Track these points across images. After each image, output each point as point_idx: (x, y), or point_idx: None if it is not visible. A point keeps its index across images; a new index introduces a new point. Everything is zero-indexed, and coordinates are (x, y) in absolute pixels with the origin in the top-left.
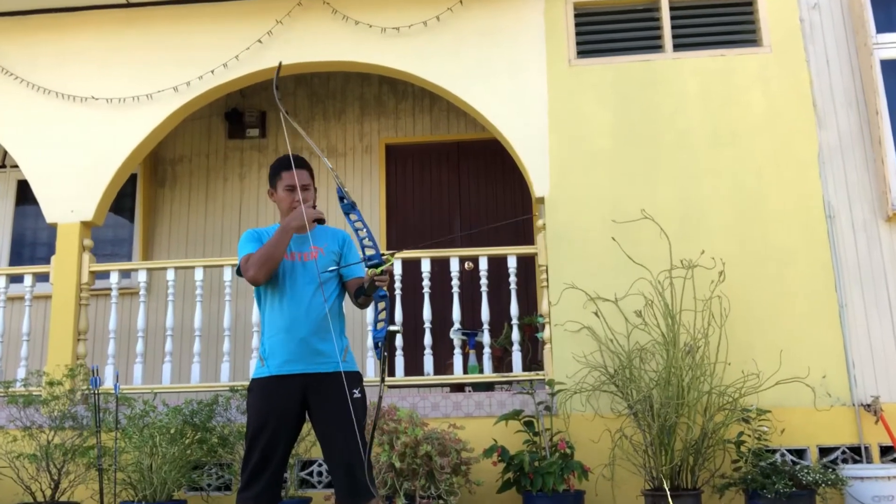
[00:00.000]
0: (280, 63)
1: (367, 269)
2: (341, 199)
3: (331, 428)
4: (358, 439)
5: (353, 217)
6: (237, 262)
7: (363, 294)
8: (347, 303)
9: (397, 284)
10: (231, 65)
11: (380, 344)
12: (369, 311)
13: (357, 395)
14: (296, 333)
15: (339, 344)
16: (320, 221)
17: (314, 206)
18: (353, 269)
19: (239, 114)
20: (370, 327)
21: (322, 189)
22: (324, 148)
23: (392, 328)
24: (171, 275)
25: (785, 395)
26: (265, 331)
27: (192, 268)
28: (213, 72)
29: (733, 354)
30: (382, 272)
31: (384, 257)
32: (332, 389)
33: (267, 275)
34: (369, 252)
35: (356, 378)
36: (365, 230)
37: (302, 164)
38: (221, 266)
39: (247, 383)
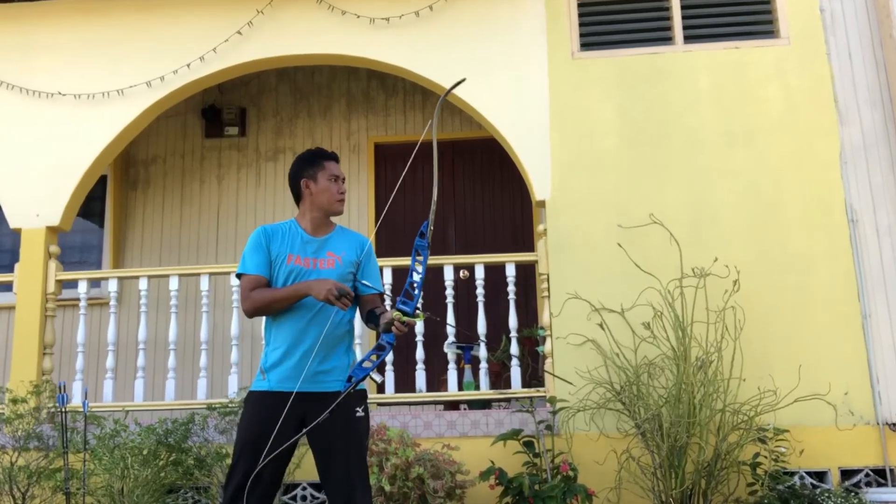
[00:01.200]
0: (463, 80)
1: (395, 309)
2: (422, 234)
3: (330, 449)
4: (359, 463)
5: (419, 257)
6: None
7: (375, 323)
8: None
9: (387, 294)
10: (208, 58)
11: (352, 379)
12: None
13: (360, 413)
14: (301, 347)
15: (345, 360)
16: (344, 303)
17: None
18: (369, 279)
19: (217, 111)
20: (358, 358)
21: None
22: (308, 147)
23: (377, 377)
24: (143, 284)
25: (804, 414)
26: (269, 341)
27: (167, 276)
28: (189, 66)
29: (749, 370)
30: (404, 323)
31: (417, 312)
32: (334, 408)
33: (262, 315)
34: (408, 297)
35: (360, 395)
36: (421, 276)
37: (338, 158)
38: (198, 275)
39: (225, 400)
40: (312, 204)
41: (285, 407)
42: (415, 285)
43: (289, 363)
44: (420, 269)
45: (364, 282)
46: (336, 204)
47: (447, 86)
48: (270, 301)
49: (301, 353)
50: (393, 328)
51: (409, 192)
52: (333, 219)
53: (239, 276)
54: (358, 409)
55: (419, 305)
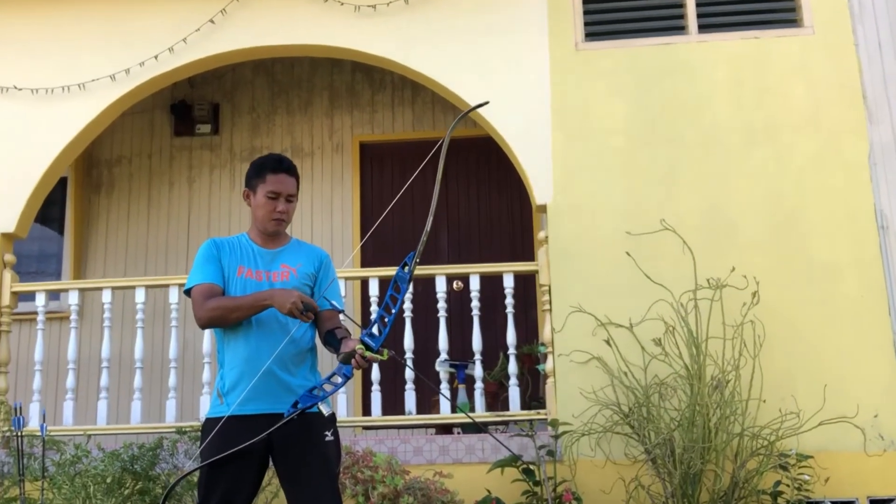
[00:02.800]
0: (485, 103)
1: (359, 341)
2: (403, 265)
3: (298, 477)
4: (331, 491)
5: (396, 289)
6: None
7: (334, 347)
8: None
9: (373, 307)
10: (178, 49)
11: (298, 405)
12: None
13: (329, 437)
14: (260, 366)
15: (310, 380)
16: (308, 317)
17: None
18: (328, 295)
19: (187, 107)
20: (304, 392)
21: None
22: (287, 147)
23: (324, 408)
24: (107, 296)
25: (830, 438)
26: (224, 361)
27: (132, 288)
28: (156, 57)
29: (769, 390)
30: (365, 359)
31: (381, 350)
32: (301, 431)
33: (217, 326)
34: (375, 330)
35: (329, 419)
36: (395, 311)
37: (292, 169)
38: (167, 286)
39: (196, 423)
40: (252, 217)
41: (248, 432)
42: (386, 321)
43: (248, 383)
44: (396, 302)
45: (327, 298)
46: (268, 223)
47: (439, 79)
48: (229, 309)
49: (263, 372)
50: (353, 361)
51: (396, 193)
52: (297, 229)
53: (188, 291)
54: (327, 433)
55: (382, 346)
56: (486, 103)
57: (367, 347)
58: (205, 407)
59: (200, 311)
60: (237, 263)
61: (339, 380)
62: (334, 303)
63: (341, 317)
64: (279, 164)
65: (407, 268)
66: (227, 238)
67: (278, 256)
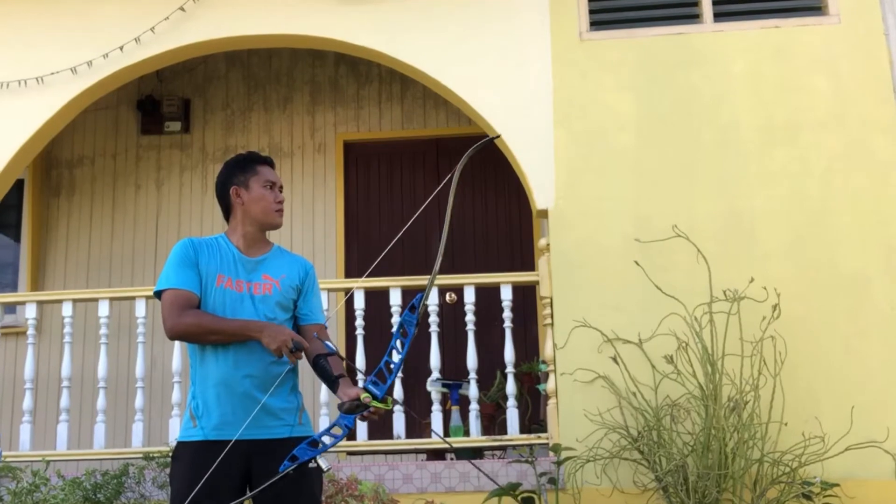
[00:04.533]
0: (496, 136)
1: (363, 389)
2: (412, 307)
3: None
4: None
5: (403, 333)
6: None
7: (325, 377)
8: None
9: (358, 322)
10: (145, 39)
11: (297, 459)
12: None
13: (312, 464)
14: (238, 386)
15: (293, 401)
16: (298, 357)
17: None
18: (312, 310)
19: (155, 103)
20: (304, 446)
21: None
22: (265, 146)
23: (322, 463)
24: (67, 309)
25: (857, 464)
26: (196, 380)
27: (95, 300)
28: (121, 48)
29: (791, 412)
30: (369, 409)
31: (387, 398)
32: (280, 455)
33: (190, 341)
34: (380, 378)
35: (310, 442)
36: (401, 357)
37: (273, 162)
38: (132, 298)
39: (165, 448)
40: (245, 216)
41: (224, 459)
42: (392, 367)
43: (225, 405)
44: (403, 348)
45: (328, 344)
46: (273, 215)
47: (431, 72)
48: (209, 330)
49: (239, 394)
50: (358, 412)
51: (384, 198)
52: (275, 238)
53: (158, 294)
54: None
55: (389, 395)
56: (498, 137)
57: (374, 397)
58: (174, 430)
59: (174, 322)
60: (216, 271)
61: (340, 432)
62: (334, 347)
63: (343, 363)
64: (263, 157)
65: (415, 311)
66: (204, 239)
67: (260, 266)
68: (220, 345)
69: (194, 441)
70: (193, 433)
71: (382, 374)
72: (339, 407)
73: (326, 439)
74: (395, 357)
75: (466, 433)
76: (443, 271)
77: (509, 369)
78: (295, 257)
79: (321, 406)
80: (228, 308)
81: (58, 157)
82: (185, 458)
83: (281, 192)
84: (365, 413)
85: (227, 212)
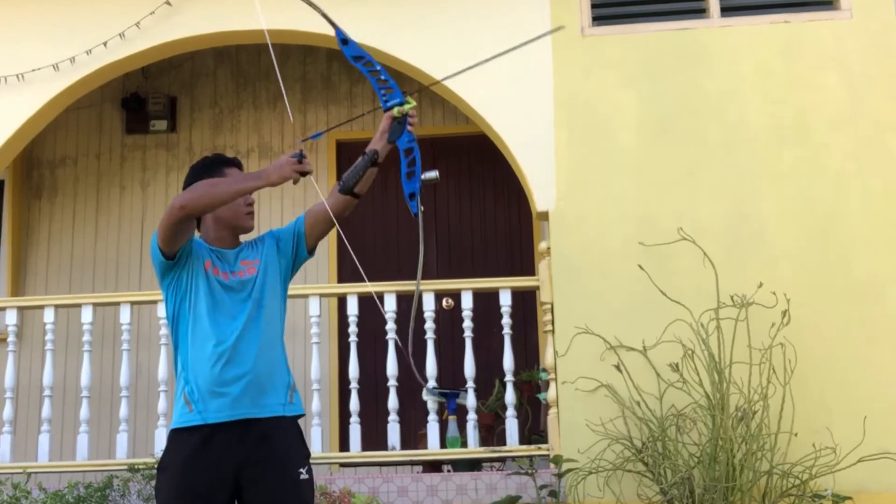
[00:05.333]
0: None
1: (389, 108)
2: (344, 41)
3: None
4: None
5: (360, 60)
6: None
7: (352, 179)
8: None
9: (352, 329)
10: (130, 35)
11: (416, 195)
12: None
13: (304, 475)
14: (234, 365)
15: (288, 378)
16: (304, 174)
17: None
18: (298, 217)
19: (140, 100)
20: (403, 180)
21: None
22: (254, 146)
23: (429, 175)
24: (49, 315)
25: (870, 476)
26: (188, 362)
27: (78, 306)
28: (105, 44)
29: (801, 422)
30: (408, 115)
31: (406, 97)
32: (274, 466)
33: (202, 213)
34: (386, 90)
35: (303, 455)
36: (379, 69)
37: (241, 165)
38: (117, 304)
39: (151, 460)
40: (215, 221)
41: (222, 445)
42: (382, 77)
43: (221, 385)
44: (373, 65)
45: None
46: (244, 218)
47: (426, 69)
48: (223, 186)
49: (236, 373)
50: (409, 122)
51: (378, 200)
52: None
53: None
54: (301, 469)
55: (403, 91)
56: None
57: (401, 104)
58: (161, 441)
59: (182, 199)
60: (204, 259)
61: (414, 149)
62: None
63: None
64: (230, 159)
65: (348, 43)
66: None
67: (238, 255)
68: (206, 322)
69: (191, 426)
70: (191, 417)
71: (384, 88)
72: (390, 139)
73: (412, 163)
74: (377, 68)
75: (464, 444)
76: (440, 276)
77: (508, 378)
78: (259, 237)
79: (312, 382)
80: (218, 294)
81: (39, 157)
82: (181, 445)
83: (251, 194)
84: (410, 121)
85: (198, 219)
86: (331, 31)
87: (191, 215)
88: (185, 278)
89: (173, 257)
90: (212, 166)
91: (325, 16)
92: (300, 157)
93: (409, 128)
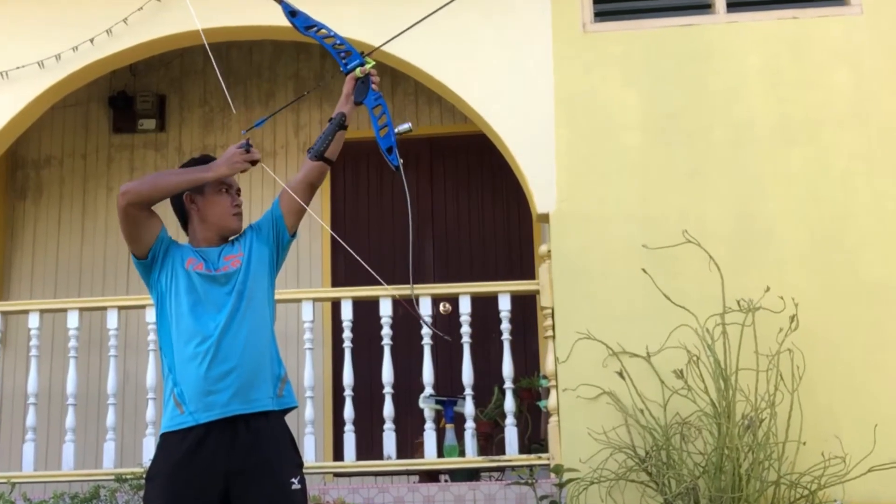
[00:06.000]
0: None
1: (349, 71)
2: (292, 13)
3: None
4: None
5: (312, 28)
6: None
7: (321, 145)
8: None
9: (346, 334)
10: (118, 31)
11: (394, 149)
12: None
13: (296, 485)
14: (220, 362)
15: (279, 370)
16: (254, 162)
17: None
18: (272, 209)
19: (128, 99)
20: (377, 137)
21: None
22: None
23: (402, 127)
24: (34, 321)
25: (881, 486)
26: (175, 363)
27: (64, 311)
28: (92, 41)
29: (810, 430)
30: (370, 74)
31: (365, 58)
32: (265, 474)
33: (159, 196)
34: (344, 54)
35: (296, 464)
36: (332, 34)
37: None
38: (104, 308)
39: (139, 470)
40: (202, 223)
41: (214, 446)
42: (338, 42)
43: (212, 382)
44: (326, 32)
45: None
46: (231, 219)
47: (422, 66)
48: (167, 176)
49: (224, 369)
50: (372, 80)
51: (374, 201)
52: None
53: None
54: (294, 479)
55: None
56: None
57: (360, 67)
58: (149, 450)
59: (129, 191)
60: (186, 256)
61: (381, 108)
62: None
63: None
64: (214, 159)
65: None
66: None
67: (222, 252)
68: (193, 318)
69: (184, 429)
70: (183, 420)
71: (340, 52)
72: (356, 101)
73: (383, 120)
74: (331, 32)
75: (462, 453)
76: (437, 279)
77: (508, 385)
78: (240, 234)
79: (305, 389)
80: (201, 289)
81: (24, 157)
82: (172, 448)
83: (239, 195)
84: (373, 80)
85: (185, 222)
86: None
87: (133, 202)
88: (164, 280)
89: (145, 256)
90: (198, 166)
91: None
92: (247, 147)
93: (373, 86)
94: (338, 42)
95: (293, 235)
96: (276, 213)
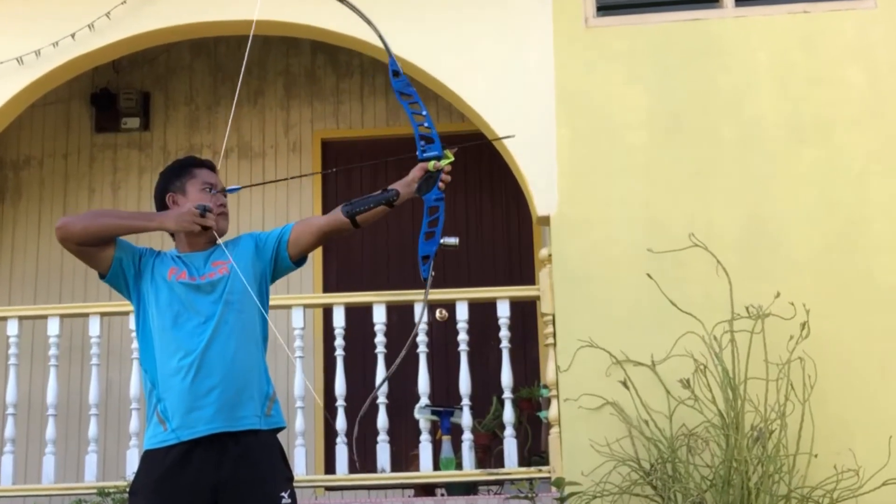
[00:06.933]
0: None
1: (425, 160)
2: (395, 73)
3: None
4: None
5: (407, 98)
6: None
7: (365, 200)
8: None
9: (338, 342)
10: (100, 26)
11: (430, 259)
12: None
13: (286, 499)
14: (205, 376)
15: (267, 389)
16: (211, 219)
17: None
18: (283, 229)
19: (111, 97)
20: (420, 240)
21: None
22: (233, 145)
23: (449, 241)
24: (13, 328)
25: None
26: (157, 378)
27: (44, 318)
28: (73, 36)
29: (822, 442)
30: (442, 171)
31: (446, 151)
32: (253, 490)
33: (89, 238)
34: (426, 141)
35: (285, 478)
36: (424, 114)
37: (213, 166)
38: (86, 315)
39: (123, 483)
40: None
41: (200, 464)
42: (426, 125)
43: (195, 399)
44: (419, 108)
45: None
46: (217, 219)
47: (418, 62)
48: (112, 216)
49: (209, 385)
50: (441, 180)
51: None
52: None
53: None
54: (283, 493)
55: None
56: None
57: (437, 159)
58: (132, 463)
59: (67, 220)
60: (169, 266)
61: (438, 209)
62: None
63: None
64: (201, 161)
65: (400, 76)
66: (146, 248)
67: (210, 257)
68: (177, 330)
69: (167, 447)
70: (165, 437)
71: (425, 137)
72: (417, 192)
73: (433, 223)
74: (423, 111)
75: (459, 466)
76: (433, 285)
77: (507, 395)
78: (235, 239)
79: (296, 399)
80: (185, 299)
81: (2, 157)
82: (155, 465)
83: (225, 195)
84: (443, 178)
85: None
86: (313, 22)
87: (65, 240)
88: (144, 294)
89: (106, 272)
90: (180, 171)
91: (383, 41)
92: (203, 211)
93: (440, 184)
94: (426, 125)
95: (296, 264)
96: (285, 237)
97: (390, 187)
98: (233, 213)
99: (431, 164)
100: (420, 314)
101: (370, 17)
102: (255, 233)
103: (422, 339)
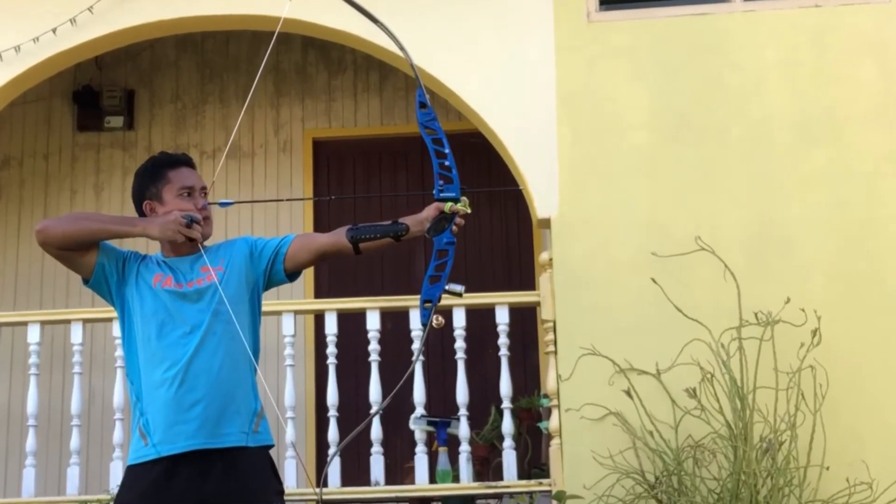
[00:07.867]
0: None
1: (441, 200)
2: (422, 104)
3: None
4: None
5: (430, 132)
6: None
7: (365, 235)
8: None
9: (330, 350)
10: (82, 20)
11: (433, 304)
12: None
13: (453, 290)
14: (189, 388)
15: (254, 404)
16: (197, 230)
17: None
18: (282, 240)
19: (94, 94)
20: (424, 284)
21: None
22: (221, 145)
23: (454, 287)
24: None
25: None
26: (142, 392)
27: (24, 324)
28: (55, 31)
29: (834, 454)
30: (457, 214)
31: (463, 198)
32: (241, 501)
33: (69, 243)
34: (445, 180)
35: (275, 489)
36: (447, 153)
37: (190, 161)
38: (67, 322)
39: (106, 497)
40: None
41: (181, 483)
42: (447, 163)
43: (178, 413)
44: (442, 144)
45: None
46: (166, 218)
47: (414, 60)
48: (91, 220)
49: (193, 399)
50: (454, 226)
51: (360, 204)
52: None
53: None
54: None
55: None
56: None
57: (454, 201)
58: (116, 475)
59: (48, 223)
60: (154, 272)
61: (447, 253)
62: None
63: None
64: (175, 158)
65: (427, 107)
66: (132, 251)
67: (197, 261)
68: (157, 347)
69: (148, 462)
70: (146, 452)
71: (444, 176)
72: (427, 232)
73: (440, 267)
74: (446, 149)
75: (456, 479)
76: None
77: (506, 404)
78: (226, 242)
79: (286, 409)
80: (171, 307)
81: None
82: (138, 482)
83: (205, 195)
84: (457, 222)
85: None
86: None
87: (46, 244)
88: (128, 301)
89: (89, 277)
90: (154, 174)
91: (413, 68)
92: (189, 222)
93: (453, 227)
94: (447, 163)
95: (290, 278)
96: (283, 249)
97: (400, 220)
98: (220, 214)
99: (448, 206)
100: (416, 355)
101: (374, 12)
102: (251, 238)
103: (416, 346)
